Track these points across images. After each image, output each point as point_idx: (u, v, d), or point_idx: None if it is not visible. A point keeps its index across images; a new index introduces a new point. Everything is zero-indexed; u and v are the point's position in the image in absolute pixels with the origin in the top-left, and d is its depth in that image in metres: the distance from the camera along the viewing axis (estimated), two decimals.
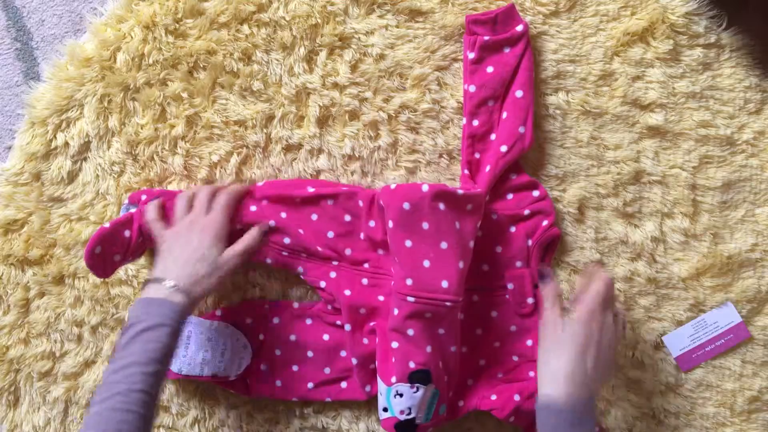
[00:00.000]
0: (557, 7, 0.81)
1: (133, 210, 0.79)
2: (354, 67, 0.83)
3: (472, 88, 0.80)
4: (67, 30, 0.86)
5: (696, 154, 0.83)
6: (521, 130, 0.79)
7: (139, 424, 0.64)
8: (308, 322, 0.84)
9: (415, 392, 0.75)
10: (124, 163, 0.84)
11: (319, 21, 0.82)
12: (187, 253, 0.74)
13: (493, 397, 0.80)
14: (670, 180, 0.83)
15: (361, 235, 0.81)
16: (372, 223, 0.81)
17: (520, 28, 0.79)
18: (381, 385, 0.77)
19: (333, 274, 0.82)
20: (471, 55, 0.80)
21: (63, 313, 0.86)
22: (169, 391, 0.87)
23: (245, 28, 0.82)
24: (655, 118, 0.82)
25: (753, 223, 0.84)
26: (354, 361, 0.81)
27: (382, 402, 0.77)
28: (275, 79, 0.83)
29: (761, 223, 0.84)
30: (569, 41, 0.82)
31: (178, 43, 0.82)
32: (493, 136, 0.80)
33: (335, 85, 0.83)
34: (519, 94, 0.79)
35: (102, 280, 0.85)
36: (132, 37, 0.82)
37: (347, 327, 0.81)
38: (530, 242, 0.81)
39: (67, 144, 0.83)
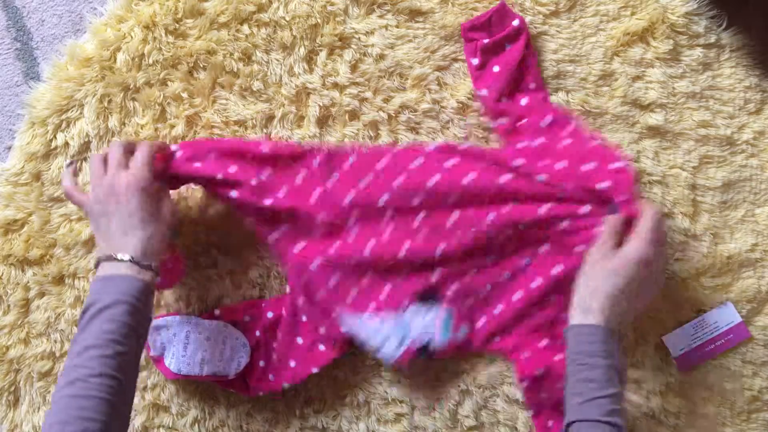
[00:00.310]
0: (557, 7, 0.81)
1: None
2: (354, 67, 0.83)
3: (484, 92, 0.80)
4: (67, 30, 0.86)
5: (696, 154, 0.83)
6: (551, 106, 0.80)
7: (102, 409, 0.60)
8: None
9: (427, 311, 0.78)
10: None
11: (319, 21, 0.82)
12: (125, 220, 0.69)
13: (525, 354, 0.80)
14: (670, 180, 0.83)
15: (317, 191, 0.79)
16: (336, 176, 0.80)
17: (515, 23, 0.79)
18: (392, 318, 0.79)
19: (284, 228, 0.80)
20: (475, 61, 0.81)
21: (63, 313, 0.86)
22: (169, 391, 0.87)
23: (245, 28, 0.82)
24: (655, 118, 0.82)
25: (753, 223, 0.84)
26: (322, 306, 0.80)
27: (393, 341, 0.79)
28: (275, 79, 0.83)
29: (761, 223, 0.84)
30: (569, 41, 0.82)
31: (178, 43, 0.82)
32: (523, 101, 0.80)
33: (335, 85, 0.83)
34: (532, 86, 0.80)
35: None
36: (132, 37, 0.82)
37: (305, 278, 0.80)
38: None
39: (67, 144, 0.83)
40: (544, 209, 0.78)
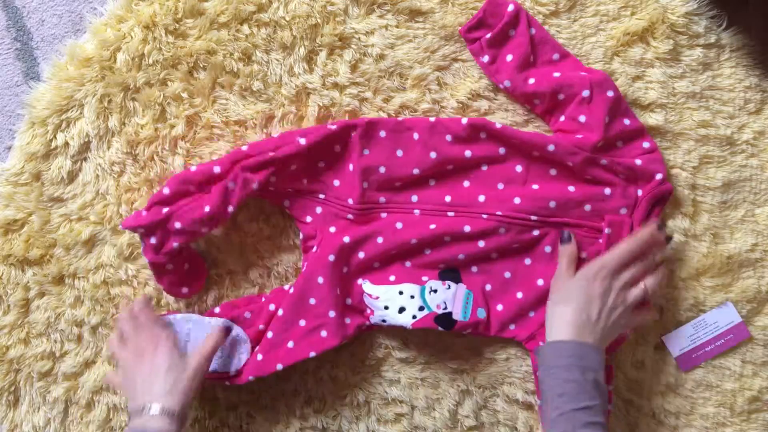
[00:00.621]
0: (557, 7, 0.82)
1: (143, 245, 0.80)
2: (354, 67, 0.83)
3: (507, 83, 0.81)
4: (67, 30, 0.86)
5: (696, 154, 0.83)
6: (583, 74, 0.79)
7: None
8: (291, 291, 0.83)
9: (447, 288, 0.80)
10: (124, 163, 0.84)
11: (319, 21, 0.82)
12: (153, 371, 0.73)
13: (541, 344, 0.80)
14: (670, 180, 0.83)
15: (350, 167, 0.81)
16: (366, 152, 0.81)
17: (510, 8, 0.79)
18: (411, 288, 0.80)
19: (319, 210, 0.82)
20: (485, 59, 0.81)
21: (63, 313, 0.86)
22: None
23: (245, 28, 0.82)
24: (655, 118, 0.82)
25: (753, 223, 0.84)
26: (337, 290, 0.81)
27: (415, 304, 0.80)
28: (275, 79, 0.83)
29: (761, 223, 0.84)
30: (569, 41, 0.82)
31: (178, 43, 0.82)
32: (561, 96, 0.79)
33: (335, 85, 0.83)
34: (556, 57, 0.80)
35: (102, 279, 0.85)
36: (132, 37, 0.82)
37: (331, 257, 0.80)
38: (640, 192, 0.79)
39: (67, 144, 0.83)
40: (571, 189, 0.79)
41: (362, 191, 0.81)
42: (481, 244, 0.81)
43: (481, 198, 0.81)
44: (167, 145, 0.83)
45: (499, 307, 0.82)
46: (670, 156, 0.83)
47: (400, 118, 0.82)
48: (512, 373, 0.85)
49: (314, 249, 0.82)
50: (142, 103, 0.83)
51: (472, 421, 0.86)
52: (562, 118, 0.80)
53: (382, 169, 0.81)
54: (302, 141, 0.79)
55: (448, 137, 0.81)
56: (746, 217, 0.84)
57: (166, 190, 0.78)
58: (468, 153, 0.81)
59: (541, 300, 0.81)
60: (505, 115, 0.83)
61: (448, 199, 0.81)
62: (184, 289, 0.82)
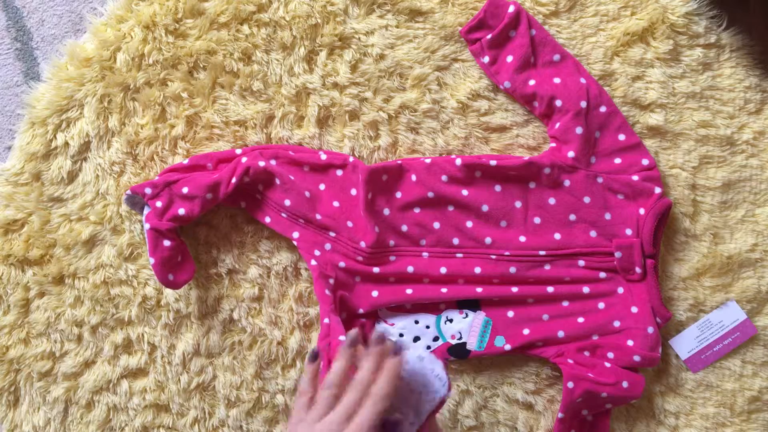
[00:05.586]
0: (557, 7, 0.82)
1: (146, 211, 0.80)
2: (354, 67, 0.83)
3: (507, 84, 0.81)
4: (67, 30, 0.86)
5: (696, 154, 0.83)
6: (582, 81, 0.79)
7: None
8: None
9: (464, 317, 0.80)
10: (124, 163, 0.84)
11: (319, 21, 0.82)
12: None
13: (570, 361, 0.80)
14: (670, 180, 0.83)
15: (361, 212, 0.81)
16: (370, 195, 0.81)
17: (511, 9, 0.79)
18: (427, 318, 0.81)
19: (328, 246, 0.82)
20: (485, 59, 0.81)
21: (63, 313, 0.86)
22: (169, 390, 0.87)
23: (245, 28, 0.82)
24: (655, 118, 0.82)
25: (753, 223, 0.84)
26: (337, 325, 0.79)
27: (430, 334, 0.80)
28: (275, 79, 0.83)
29: (761, 223, 0.84)
30: (569, 41, 0.82)
31: (178, 43, 0.82)
32: (558, 102, 0.79)
33: (335, 85, 0.83)
34: (557, 58, 0.80)
35: (102, 279, 0.85)
36: (132, 37, 0.82)
37: (360, 310, 0.81)
38: (642, 210, 0.79)
39: (67, 144, 0.83)
40: (572, 217, 0.80)
41: (375, 236, 0.80)
42: (495, 281, 0.81)
43: (488, 240, 0.81)
44: (167, 145, 0.83)
45: (526, 332, 0.81)
46: (670, 156, 0.83)
47: (399, 161, 0.82)
48: (512, 373, 0.85)
49: (331, 281, 0.81)
50: (142, 103, 0.83)
51: (472, 421, 0.86)
52: (558, 125, 0.80)
53: (387, 212, 0.81)
54: (323, 156, 0.81)
55: (444, 177, 0.81)
56: (746, 217, 0.84)
57: (185, 161, 0.82)
58: (465, 192, 0.81)
59: (581, 334, 0.81)
60: (505, 115, 0.83)
61: (456, 241, 0.81)
62: (171, 275, 0.79)
